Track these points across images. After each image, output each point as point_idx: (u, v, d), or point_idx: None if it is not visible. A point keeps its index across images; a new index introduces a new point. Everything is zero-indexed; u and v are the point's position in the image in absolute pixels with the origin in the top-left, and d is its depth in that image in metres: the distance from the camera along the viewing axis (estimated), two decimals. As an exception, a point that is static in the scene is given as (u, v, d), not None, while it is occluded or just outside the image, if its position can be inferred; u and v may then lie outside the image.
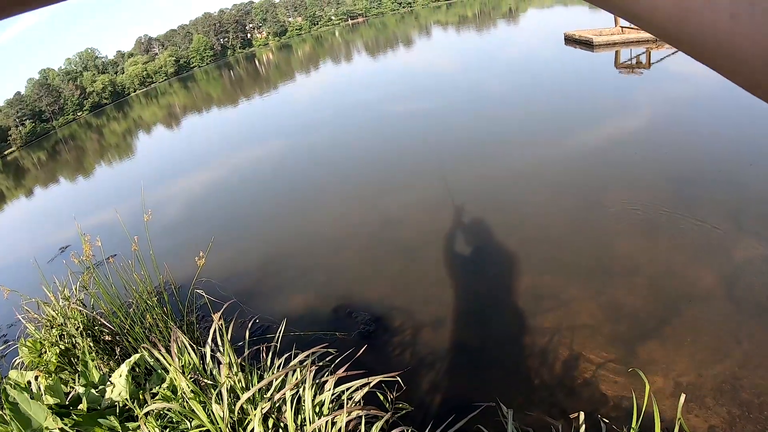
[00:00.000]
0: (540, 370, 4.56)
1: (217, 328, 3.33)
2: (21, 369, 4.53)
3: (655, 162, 8.60)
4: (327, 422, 2.49)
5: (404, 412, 3.37)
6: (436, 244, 7.45)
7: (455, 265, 6.81)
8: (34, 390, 3.33)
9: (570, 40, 24.39)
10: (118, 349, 4.72)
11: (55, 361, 4.45)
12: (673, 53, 18.94)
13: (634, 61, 19.45)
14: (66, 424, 2.85)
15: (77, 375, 3.99)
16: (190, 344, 3.19)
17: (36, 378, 3.74)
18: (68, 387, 3.50)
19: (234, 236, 9.42)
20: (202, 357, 3.25)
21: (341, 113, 19.81)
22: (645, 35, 20.65)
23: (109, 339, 4.76)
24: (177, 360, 2.96)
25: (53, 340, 4.71)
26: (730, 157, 8.19)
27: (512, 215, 7.87)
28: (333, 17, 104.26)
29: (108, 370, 3.94)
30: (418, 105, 17.51)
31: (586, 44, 22.48)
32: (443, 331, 5.43)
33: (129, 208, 12.30)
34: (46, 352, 4.64)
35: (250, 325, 3.77)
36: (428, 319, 5.67)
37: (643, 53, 19.85)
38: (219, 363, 3.06)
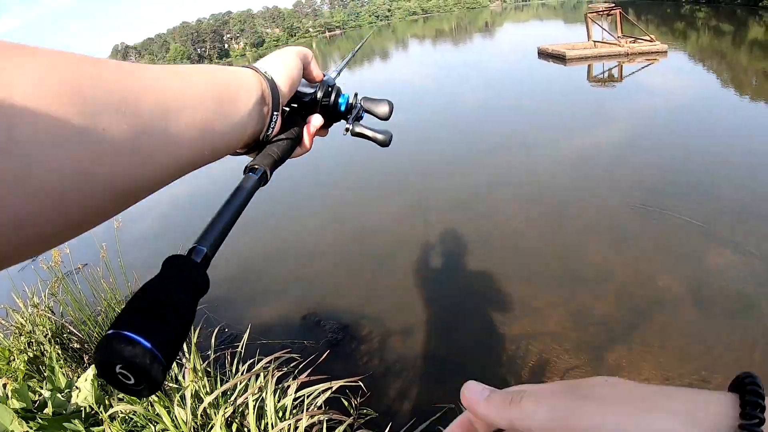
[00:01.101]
0: (507, 377, 4.64)
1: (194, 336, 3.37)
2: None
3: (626, 172, 8.81)
4: (290, 425, 2.54)
5: (368, 417, 3.43)
6: (406, 253, 7.50)
7: (425, 273, 6.87)
8: (0, 394, 3.33)
9: (543, 54, 24.77)
10: (86, 357, 4.71)
11: (23, 368, 4.42)
12: (643, 67, 19.35)
13: (606, 75, 19.83)
14: (31, 428, 2.87)
15: (44, 381, 3.99)
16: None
17: (4, 386, 3.73)
18: (36, 395, 3.50)
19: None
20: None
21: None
22: (617, 50, 21.07)
23: (78, 347, 4.75)
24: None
25: (21, 348, 4.69)
26: (701, 167, 8.45)
27: (482, 225, 7.97)
28: (311, 29, 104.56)
29: (75, 377, 3.94)
30: (394, 121, 17.53)
31: (559, 58, 22.85)
32: (411, 339, 5.48)
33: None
34: (14, 359, 4.62)
35: (215, 332, 3.81)
36: (397, 327, 5.71)
37: (616, 67, 20.24)
38: (184, 368, 3.09)
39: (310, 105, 0.85)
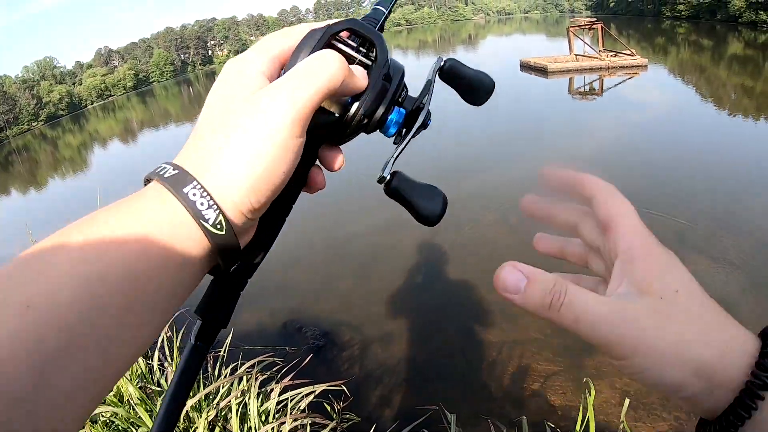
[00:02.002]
0: (488, 382, 4.66)
1: (165, 338, 3.33)
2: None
3: (606, 179, 8.91)
4: (273, 429, 2.52)
5: (351, 422, 3.41)
6: (386, 260, 7.53)
7: (403, 281, 6.87)
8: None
9: (525, 67, 24.98)
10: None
11: None
12: (623, 81, 19.62)
13: (587, 88, 20.07)
14: None
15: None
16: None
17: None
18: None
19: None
20: (149, 366, 3.25)
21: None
22: (598, 63, 21.33)
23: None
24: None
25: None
26: (680, 176, 8.60)
27: (461, 233, 8.01)
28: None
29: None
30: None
31: (541, 71, 23.06)
32: (392, 344, 5.47)
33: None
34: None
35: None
36: (378, 333, 5.71)
37: (597, 80, 20.49)
38: (166, 371, 3.06)
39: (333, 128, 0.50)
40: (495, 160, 11.66)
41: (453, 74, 0.60)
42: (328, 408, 3.38)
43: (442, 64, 0.59)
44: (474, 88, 0.60)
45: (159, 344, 3.36)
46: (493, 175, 10.36)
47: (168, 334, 3.31)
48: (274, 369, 3.48)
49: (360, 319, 6.02)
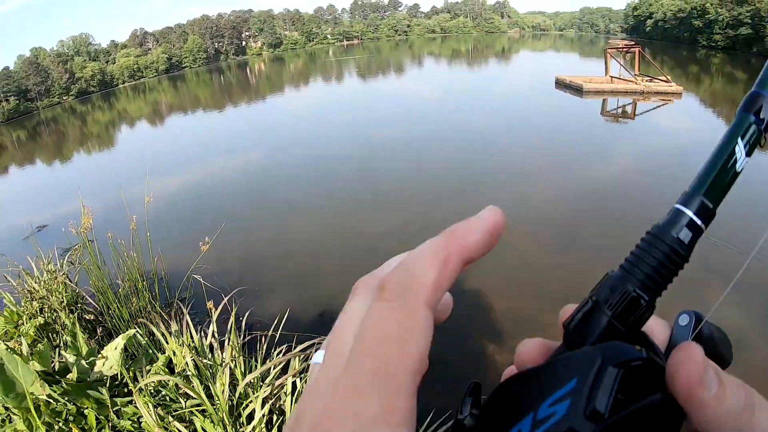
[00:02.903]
0: None
1: (217, 313, 3.36)
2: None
3: (637, 201, 8.91)
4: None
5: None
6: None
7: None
8: (25, 353, 3.29)
9: (560, 84, 24.91)
10: (99, 329, 4.68)
11: (32, 333, 4.37)
12: (657, 107, 19.47)
13: (619, 111, 19.93)
14: (54, 392, 2.83)
15: (56, 349, 3.95)
16: (191, 324, 3.21)
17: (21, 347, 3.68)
18: (56, 359, 3.46)
19: (217, 238, 9.36)
20: (201, 339, 3.26)
21: (329, 132, 19.85)
22: (633, 87, 21.20)
23: (92, 318, 4.72)
24: (177, 337, 2.96)
25: (33, 312, 4.65)
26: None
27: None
28: (329, 36, 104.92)
29: (96, 346, 3.89)
30: (403, 134, 17.69)
31: (576, 90, 22.97)
32: None
33: (103, 201, 12.12)
34: (23, 323, 4.57)
35: (246, 316, 3.77)
36: None
37: (630, 104, 20.36)
38: (221, 345, 3.07)
39: None
40: (527, 173, 11.63)
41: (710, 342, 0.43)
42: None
43: (701, 328, 0.43)
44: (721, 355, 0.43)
45: (215, 317, 3.38)
46: (525, 188, 10.32)
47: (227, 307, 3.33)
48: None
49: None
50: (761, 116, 0.43)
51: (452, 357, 5.29)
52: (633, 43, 24.77)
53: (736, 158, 0.43)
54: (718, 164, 0.44)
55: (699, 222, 0.42)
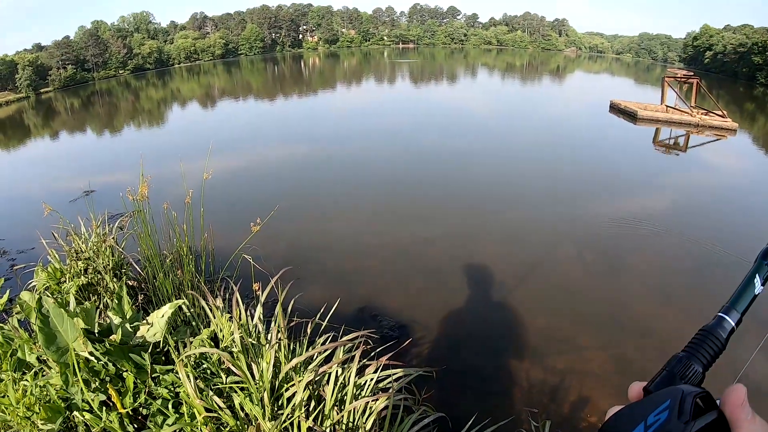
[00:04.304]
0: (549, 407, 4.61)
1: (265, 294, 3.34)
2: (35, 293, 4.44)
3: (683, 237, 8.77)
4: (366, 403, 2.47)
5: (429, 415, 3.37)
6: (460, 269, 7.49)
7: (476, 292, 6.86)
8: (71, 309, 3.32)
9: (614, 108, 24.55)
10: (141, 297, 4.72)
11: (74, 292, 4.40)
12: (710, 141, 19.03)
13: (672, 142, 19.52)
14: (96, 350, 2.84)
15: (97, 310, 3.98)
16: (240, 302, 3.20)
17: (68, 303, 3.71)
18: (102, 321, 3.48)
19: (265, 225, 9.39)
20: (248, 317, 3.25)
21: (379, 134, 19.88)
22: (688, 118, 20.77)
23: (134, 285, 4.76)
24: (225, 313, 2.95)
25: (77, 272, 4.71)
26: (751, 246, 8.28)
27: (536, 259, 7.95)
28: (385, 37, 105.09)
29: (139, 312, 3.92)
30: (456, 143, 17.67)
31: (630, 115, 22.61)
32: (460, 350, 5.52)
33: (150, 173, 12.31)
34: (66, 281, 4.62)
35: (292, 302, 3.74)
36: (447, 338, 5.76)
37: (683, 135, 19.93)
38: (267, 326, 3.06)
39: None
40: (577, 194, 11.50)
41: None
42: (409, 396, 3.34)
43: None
44: None
45: (264, 297, 3.37)
46: (570, 215, 10.17)
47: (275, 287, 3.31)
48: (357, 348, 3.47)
49: (430, 320, 6.06)
50: None
51: (488, 370, 5.23)
52: (692, 73, 24.26)
53: (755, 287, 0.72)
54: (745, 290, 0.73)
55: (734, 325, 0.71)
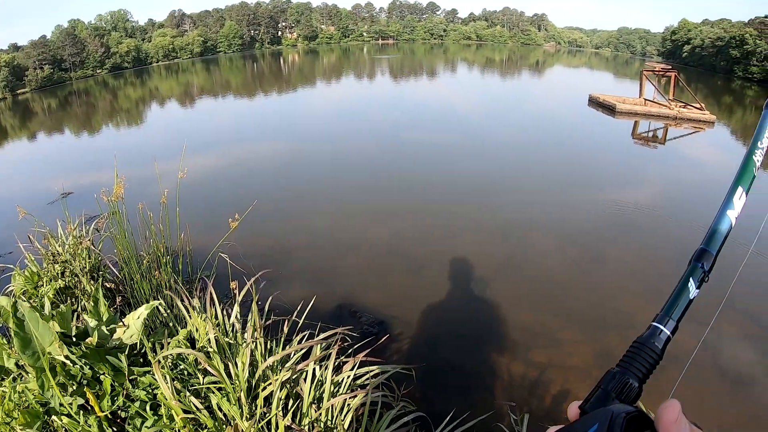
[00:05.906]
0: (530, 400, 4.65)
1: (242, 294, 3.34)
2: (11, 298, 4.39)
3: (669, 231, 8.85)
4: (344, 401, 2.49)
5: (408, 410, 3.39)
6: (440, 265, 7.51)
7: (456, 287, 6.88)
8: (46, 313, 3.29)
9: (593, 102, 24.73)
10: (119, 299, 4.69)
11: (51, 296, 4.37)
12: (688, 134, 19.25)
13: (650, 134, 19.72)
14: (72, 353, 2.83)
15: (74, 313, 3.96)
16: (216, 301, 3.20)
17: (42, 306, 3.69)
18: (77, 323, 3.46)
19: (242, 223, 9.36)
20: (224, 317, 3.24)
21: (358, 129, 19.90)
22: (666, 111, 20.98)
23: (112, 287, 4.73)
24: (200, 313, 2.95)
25: (54, 275, 4.67)
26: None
27: (517, 252, 8.00)
28: (365, 33, 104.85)
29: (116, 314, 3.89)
30: (435, 139, 17.72)
31: (609, 109, 22.79)
32: (441, 347, 5.55)
33: (127, 174, 12.20)
34: (43, 285, 4.58)
35: (269, 301, 3.75)
36: (427, 333, 5.77)
37: (661, 128, 20.14)
38: (244, 325, 3.06)
39: None
40: (558, 189, 11.58)
41: None
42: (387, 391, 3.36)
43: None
44: None
45: (240, 297, 3.37)
46: (548, 206, 10.25)
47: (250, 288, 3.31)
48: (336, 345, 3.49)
49: (410, 316, 6.07)
50: (705, 266, 0.74)
51: (469, 365, 5.26)
52: (670, 67, 24.53)
53: (689, 291, 0.73)
54: (680, 295, 0.73)
55: (669, 334, 0.71)
